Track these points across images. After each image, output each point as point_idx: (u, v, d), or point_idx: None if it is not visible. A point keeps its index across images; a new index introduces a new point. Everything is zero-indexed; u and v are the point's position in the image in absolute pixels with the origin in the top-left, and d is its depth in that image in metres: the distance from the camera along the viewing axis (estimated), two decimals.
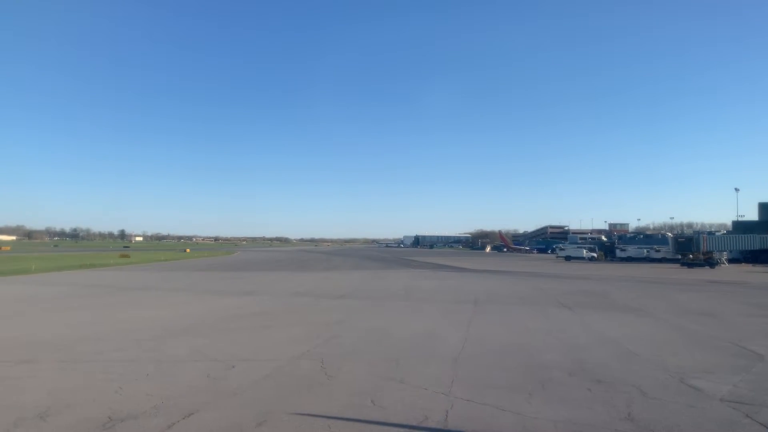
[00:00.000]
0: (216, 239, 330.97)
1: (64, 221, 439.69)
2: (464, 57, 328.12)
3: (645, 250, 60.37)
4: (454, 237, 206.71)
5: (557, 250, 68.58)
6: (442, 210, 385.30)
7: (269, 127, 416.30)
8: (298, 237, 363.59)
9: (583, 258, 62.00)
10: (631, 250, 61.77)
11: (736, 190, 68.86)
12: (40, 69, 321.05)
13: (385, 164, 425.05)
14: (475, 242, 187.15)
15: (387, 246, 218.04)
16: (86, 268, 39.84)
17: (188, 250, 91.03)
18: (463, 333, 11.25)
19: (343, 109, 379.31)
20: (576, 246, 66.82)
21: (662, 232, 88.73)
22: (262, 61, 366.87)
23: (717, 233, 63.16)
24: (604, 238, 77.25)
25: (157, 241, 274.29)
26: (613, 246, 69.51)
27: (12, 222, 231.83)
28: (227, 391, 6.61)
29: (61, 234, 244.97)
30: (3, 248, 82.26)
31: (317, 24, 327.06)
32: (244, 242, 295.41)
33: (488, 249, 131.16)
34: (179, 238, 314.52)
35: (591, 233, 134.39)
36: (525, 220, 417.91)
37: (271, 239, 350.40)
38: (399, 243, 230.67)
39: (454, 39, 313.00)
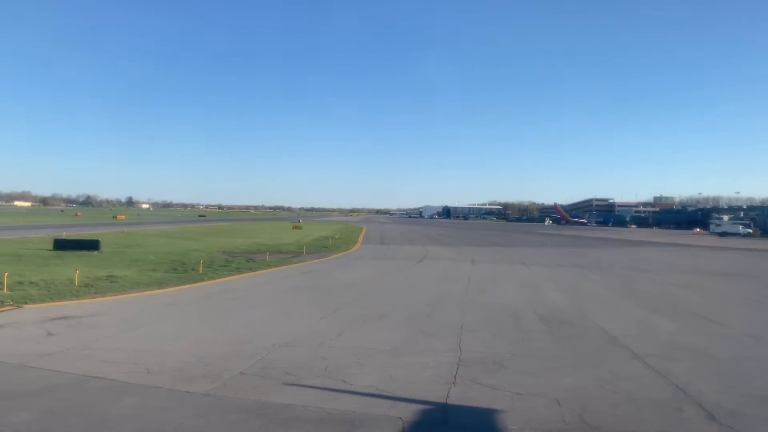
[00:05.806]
0: (219, 207, 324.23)
1: (67, 187, 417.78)
2: (474, 32, 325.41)
3: None
4: (485, 209, 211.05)
5: (711, 226, 73.11)
6: (450, 182, 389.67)
7: (273, 96, 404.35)
8: (299, 206, 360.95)
9: (738, 234, 65.77)
10: None
11: None
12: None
13: (391, 135, 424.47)
14: (507, 214, 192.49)
15: (409, 216, 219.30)
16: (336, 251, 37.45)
17: (301, 221, 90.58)
18: None
19: (343, 79, 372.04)
20: (732, 222, 71.95)
21: None
22: (264, 27, 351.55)
23: None
24: (749, 213, 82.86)
25: (164, 209, 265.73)
26: (754, 220, 74.59)
27: (17, 188, 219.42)
28: None
29: (68, 201, 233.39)
30: (119, 217, 79.43)
31: None
32: (252, 211, 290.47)
33: (547, 221, 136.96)
34: (184, 206, 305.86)
35: (642, 206, 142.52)
36: (540, 193, 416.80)
37: (273, 208, 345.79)
38: (419, 213, 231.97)
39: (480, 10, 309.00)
